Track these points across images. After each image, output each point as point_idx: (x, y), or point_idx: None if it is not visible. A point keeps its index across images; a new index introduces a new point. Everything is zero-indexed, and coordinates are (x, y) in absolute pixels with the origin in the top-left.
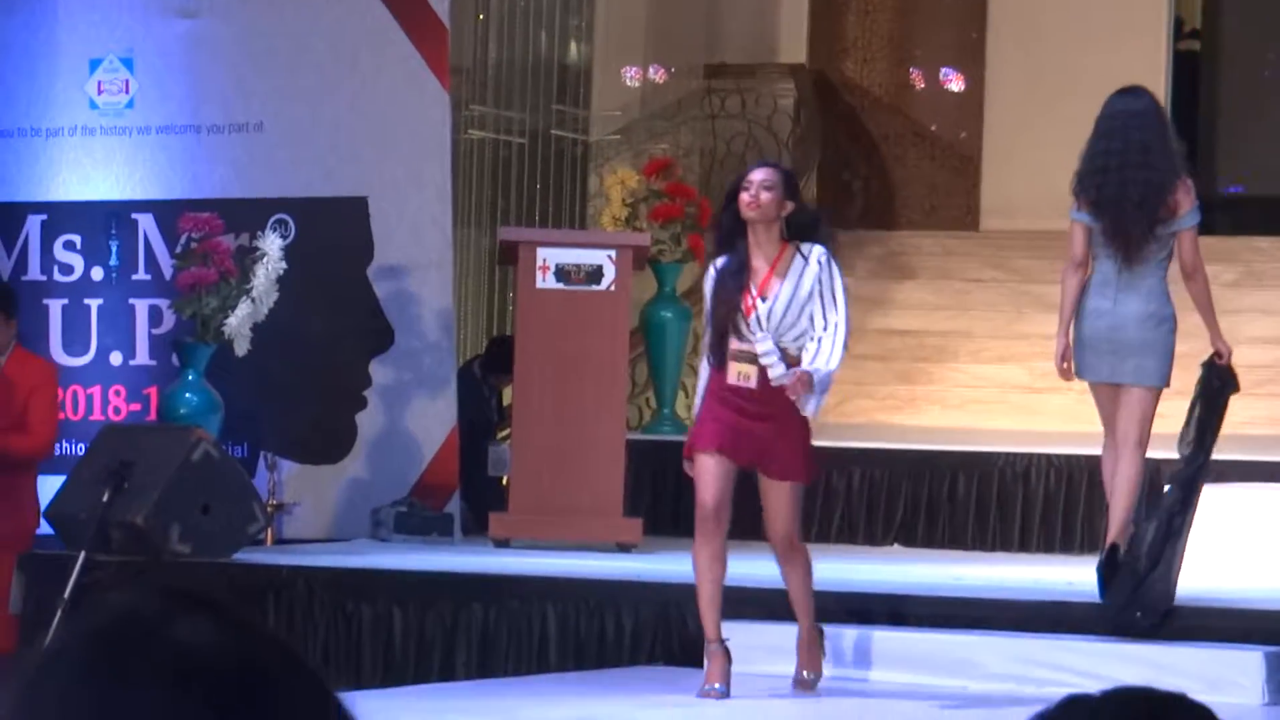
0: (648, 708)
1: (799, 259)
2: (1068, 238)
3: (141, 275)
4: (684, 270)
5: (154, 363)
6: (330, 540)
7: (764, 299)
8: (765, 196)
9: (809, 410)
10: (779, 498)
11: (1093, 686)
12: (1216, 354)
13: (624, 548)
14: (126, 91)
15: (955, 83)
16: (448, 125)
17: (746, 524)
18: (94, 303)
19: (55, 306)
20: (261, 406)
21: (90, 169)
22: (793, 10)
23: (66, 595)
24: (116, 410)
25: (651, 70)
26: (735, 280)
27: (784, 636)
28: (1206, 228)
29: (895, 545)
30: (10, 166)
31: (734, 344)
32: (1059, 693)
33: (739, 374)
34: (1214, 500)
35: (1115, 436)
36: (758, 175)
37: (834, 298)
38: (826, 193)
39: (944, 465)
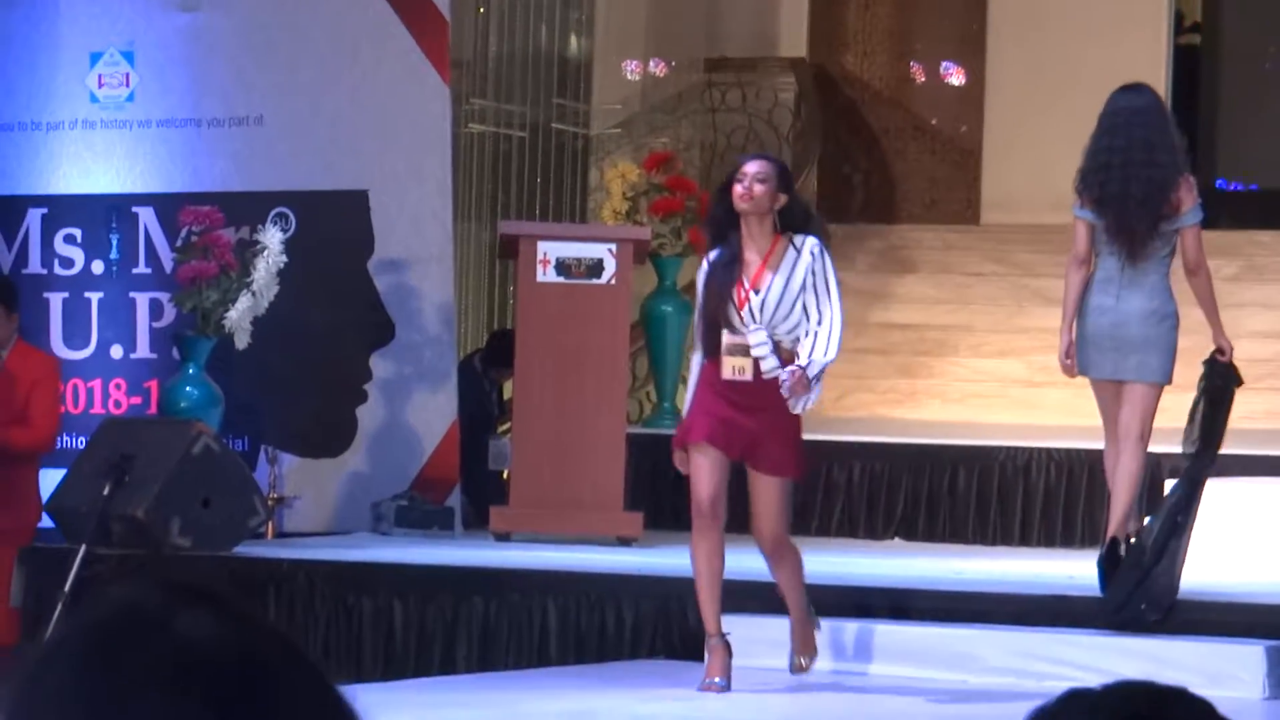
0: (648, 701)
1: (791, 251)
2: (1071, 235)
3: (142, 269)
4: (684, 264)
5: (154, 356)
6: (331, 534)
7: (756, 291)
8: (759, 189)
9: (798, 408)
10: (768, 493)
11: (1093, 680)
12: (1218, 351)
13: (624, 541)
14: (127, 85)
15: (956, 76)
16: (448, 119)
17: (744, 518)
18: (94, 296)
19: (56, 300)
20: (262, 400)
21: (91, 162)
22: (793, 4)
23: (67, 589)
24: (117, 404)
25: (652, 64)
26: (727, 272)
27: (785, 630)
28: (1207, 222)
29: (895, 539)
30: (11, 160)
31: (727, 337)
32: (1059, 687)
33: (734, 368)
34: (1215, 495)
35: (1117, 432)
36: (751, 167)
37: (827, 289)
38: (827, 186)
39: (944, 459)
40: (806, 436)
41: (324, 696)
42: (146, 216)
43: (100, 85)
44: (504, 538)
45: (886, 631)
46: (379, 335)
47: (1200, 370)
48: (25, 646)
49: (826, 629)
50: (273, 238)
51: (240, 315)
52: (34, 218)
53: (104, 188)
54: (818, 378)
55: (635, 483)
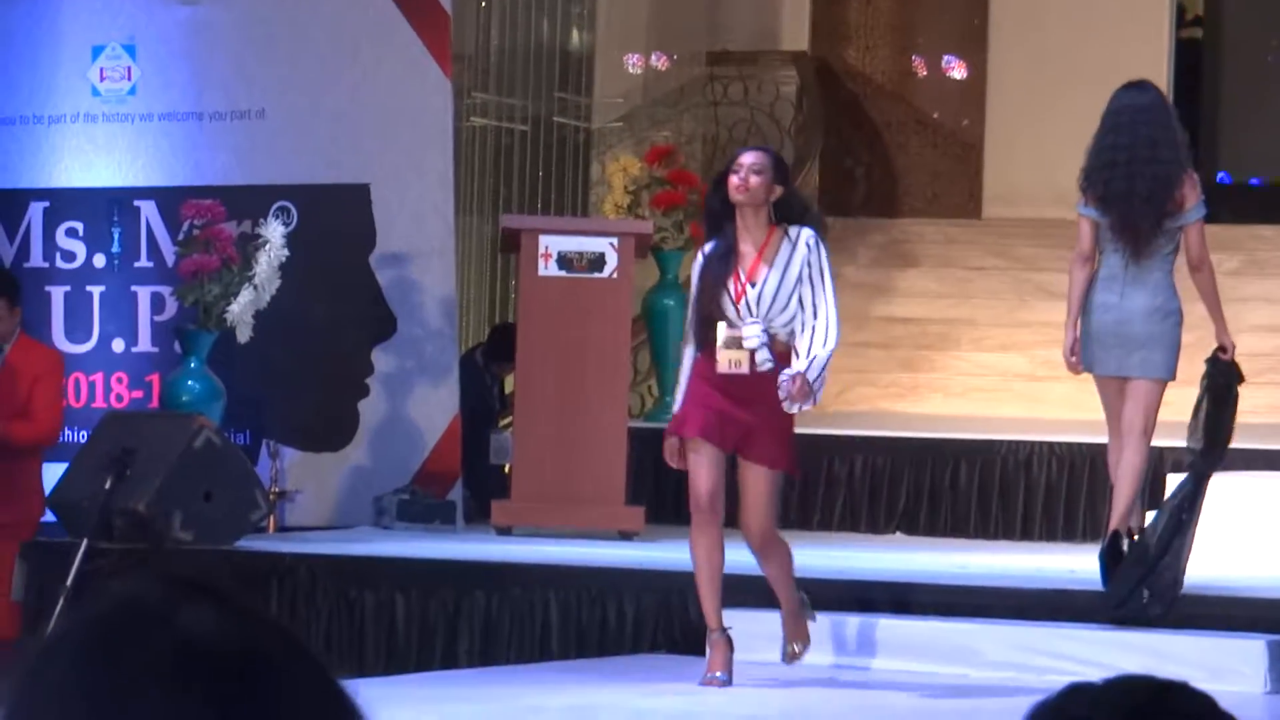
0: (650, 696)
1: (786, 243)
2: (1073, 230)
3: (144, 262)
4: (686, 258)
5: (156, 350)
6: (333, 528)
7: (753, 284)
8: (754, 180)
9: (793, 409)
10: (757, 484)
11: (1094, 675)
12: (1220, 348)
13: (626, 536)
14: (129, 78)
15: (957, 70)
16: (450, 112)
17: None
18: (96, 290)
19: (57, 294)
20: (264, 394)
21: (93, 156)
22: None
23: (69, 583)
24: (119, 398)
25: (654, 57)
26: (722, 265)
27: None
28: (1209, 216)
29: (897, 533)
30: (13, 153)
31: (724, 330)
32: (1060, 681)
33: (730, 361)
34: (1216, 489)
35: (1120, 428)
36: (747, 159)
37: (822, 280)
38: (829, 180)
39: (946, 453)
40: (809, 430)
41: (326, 691)
42: (148, 210)
43: (102, 79)
44: (505, 532)
45: (888, 626)
46: (380, 329)
47: (1202, 367)
48: (26, 641)
49: (827, 623)
50: (274, 231)
51: (242, 309)
52: (36, 211)
53: (106, 181)
54: (820, 377)
55: (637, 477)
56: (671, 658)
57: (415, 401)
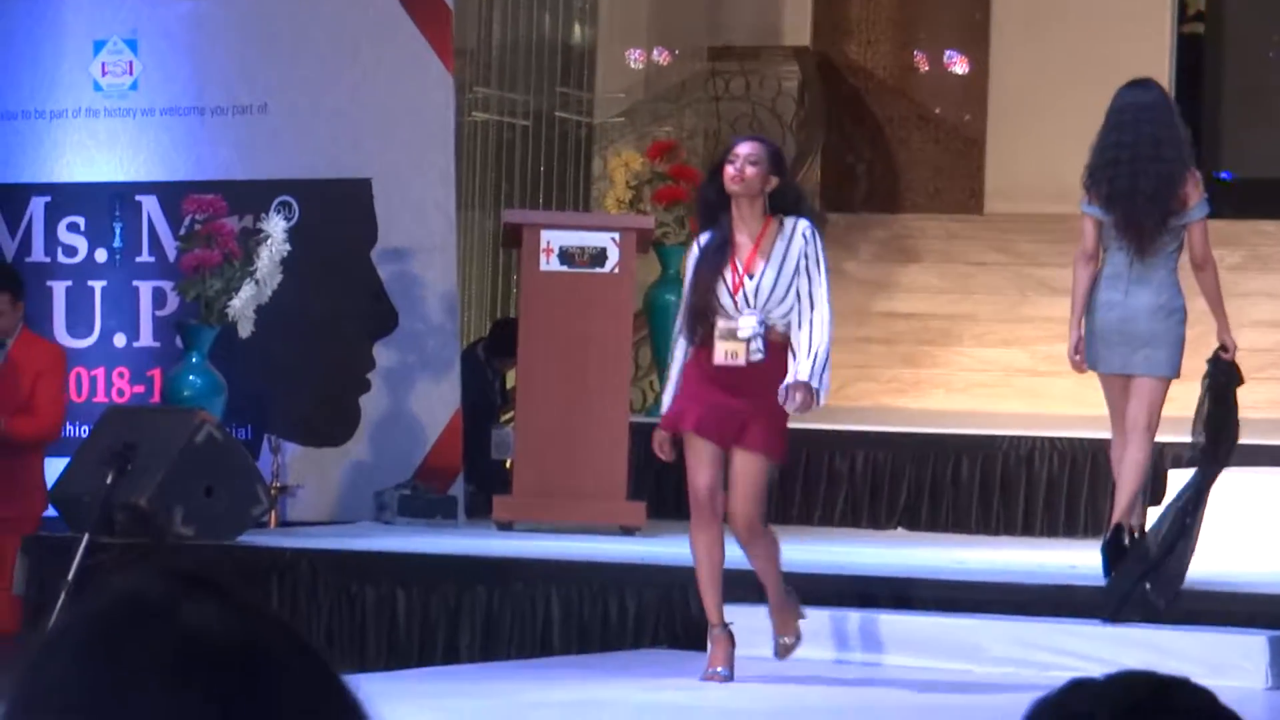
0: (651, 691)
1: (783, 234)
2: (1076, 226)
3: (145, 257)
4: (687, 253)
5: (158, 345)
6: (334, 523)
7: (751, 276)
8: (750, 171)
9: (791, 408)
10: (746, 470)
11: (1096, 670)
12: (1222, 347)
13: (627, 531)
14: (130, 73)
15: (959, 65)
16: (451, 107)
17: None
18: (98, 285)
19: (59, 288)
20: (265, 389)
21: (94, 151)
22: None
23: (70, 577)
24: (120, 392)
25: (655, 52)
26: (718, 256)
27: None
28: (1211, 211)
29: (899, 529)
30: (14, 148)
31: (720, 322)
32: (1062, 676)
33: (727, 353)
34: (1218, 484)
35: (1124, 425)
36: (743, 149)
37: (818, 270)
38: (830, 176)
39: (948, 448)
40: (810, 425)
41: (327, 686)
42: (150, 205)
43: (104, 73)
44: (507, 527)
45: (889, 621)
46: (382, 324)
47: (1203, 365)
48: (28, 635)
49: (828, 618)
50: (276, 226)
51: (243, 304)
52: (37, 206)
53: (107, 176)
54: (823, 378)
55: (638, 472)
56: (673, 653)
57: (417, 396)
